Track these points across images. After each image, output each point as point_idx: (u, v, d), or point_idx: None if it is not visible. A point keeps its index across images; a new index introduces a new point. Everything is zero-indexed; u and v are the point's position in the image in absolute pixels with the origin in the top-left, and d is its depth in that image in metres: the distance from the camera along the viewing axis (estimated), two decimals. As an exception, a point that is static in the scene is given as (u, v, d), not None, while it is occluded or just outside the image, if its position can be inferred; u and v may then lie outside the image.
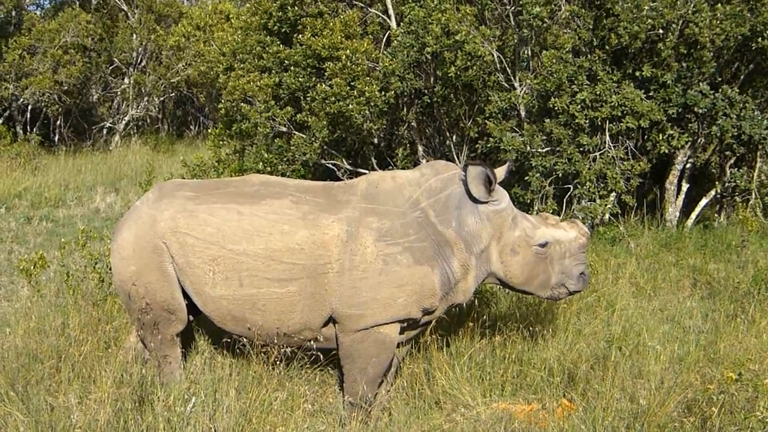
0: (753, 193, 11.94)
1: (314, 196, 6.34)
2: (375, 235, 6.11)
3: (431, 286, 6.15)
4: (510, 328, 7.67)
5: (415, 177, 6.38)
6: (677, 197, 12.19)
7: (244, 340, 6.41)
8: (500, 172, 6.57)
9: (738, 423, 5.75)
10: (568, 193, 10.81)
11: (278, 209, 6.22)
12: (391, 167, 12.01)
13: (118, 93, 23.40)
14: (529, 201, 10.67)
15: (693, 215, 12.13)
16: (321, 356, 6.45)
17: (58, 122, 22.17)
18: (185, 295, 6.42)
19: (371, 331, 6.17)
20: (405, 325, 6.31)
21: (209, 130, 13.39)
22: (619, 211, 11.46)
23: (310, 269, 6.09)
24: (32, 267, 8.29)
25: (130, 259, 6.35)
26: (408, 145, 12.74)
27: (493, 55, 10.83)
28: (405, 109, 12.34)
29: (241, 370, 6.54)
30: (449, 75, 10.98)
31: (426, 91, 12.03)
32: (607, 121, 10.63)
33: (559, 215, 10.77)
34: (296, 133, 11.69)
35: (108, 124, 23.10)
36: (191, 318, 6.70)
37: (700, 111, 10.90)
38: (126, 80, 23.43)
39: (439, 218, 6.18)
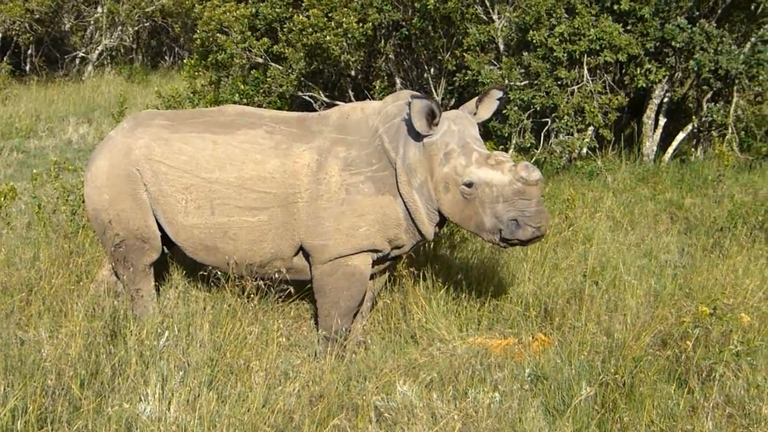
0: (729, 128, 11.87)
1: (288, 126, 6.26)
2: (341, 164, 6.03)
3: (395, 216, 6.06)
4: (487, 262, 7.62)
5: (378, 106, 6.27)
6: (654, 131, 12.11)
7: (219, 273, 6.35)
8: (471, 104, 6.23)
9: (712, 357, 5.73)
10: (546, 127, 10.73)
11: (252, 139, 6.15)
12: (368, 99, 11.84)
13: (91, 22, 22.89)
14: (506, 134, 10.57)
15: (670, 150, 12.08)
16: (292, 290, 6.37)
17: (30, 51, 21.69)
18: (159, 227, 6.36)
19: (339, 263, 6.12)
20: (375, 257, 6.24)
21: (184, 61, 13.12)
22: (597, 145, 11.41)
23: (280, 198, 6.04)
24: (2, 199, 8.09)
25: (104, 187, 6.28)
26: (386, 77, 12.56)
27: (472, -14, 10.65)
28: (383, 41, 12.13)
29: (216, 303, 6.46)
30: (427, 7, 10.77)
31: (404, 23, 11.81)
32: (585, 55, 10.50)
33: (537, 149, 10.70)
34: (273, 64, 11.49)
35: (81, 54, 22.63)
36: (165, 250, 6.63)
37: (678, 45, 10.80)
38: (99, 9, 22.90)
39: (391, 145, 6.04)
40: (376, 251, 6.20)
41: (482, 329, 6.69)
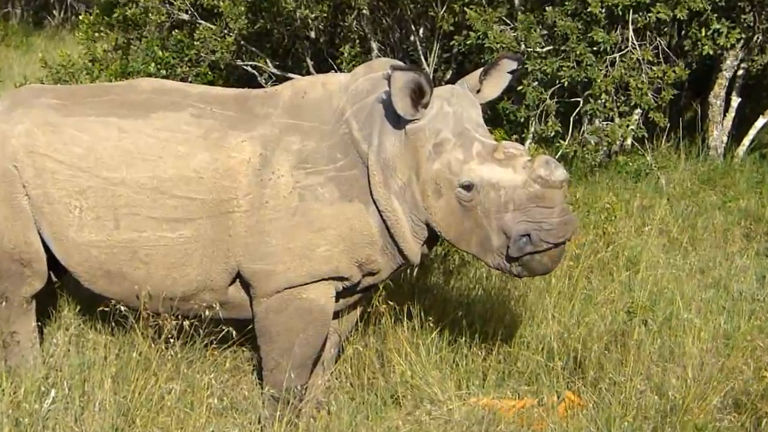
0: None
1: (223, 107, 6.23)
2: (294, 160, 6.02)
3: (366, 230, 6.05)
4: (496, 294, 7.62)
5: (346, 80, 6.28)
6: (725, 116, 12.16)
7: (126, 309, 6.28)
8: (473, 78, 6.19)
9: (804, 424, 5.78)
10: (577, 110, 10.74)
11: (173, 125, 6.11)
12: (334, 72, 11.84)
13: (-49, -36, 22.86)
14: (522, 120, 10.58)
15: (746, 140, 12.13)
16: (234, 332, 6.36)
17: None
18: (44, 246, 6.31)
19: (291, 295, 6.10)
20: (340, 287, 6.22)
21: (80, 17, 13.07)
22: (646, 135, 11.41)
23: (210, 206, 6.01)
24: None
25: (-33, 190, 6.23)
26: (357, 41, 12.53)
27: None
28: (354, -9, 12.14)
29: (122, 351, 6.44)
30: (415, -57, 10.81)
31: (383, -35, 11.85)
32: (631, 11, 10.54)
33: (564, 139, 10.73)
34: (202, 22, 11.46)
35: (-64, 8, 22.60)
36: (52, 277, 6.59)
37: (758, -2, 10.87)
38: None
39: (361, 133, 6.03)
40: (341, 279, 6.17)
41: (489, 386, 6.69)
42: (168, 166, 6.03)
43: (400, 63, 6.17)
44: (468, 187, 5.76)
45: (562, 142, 10.67)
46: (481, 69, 6.21)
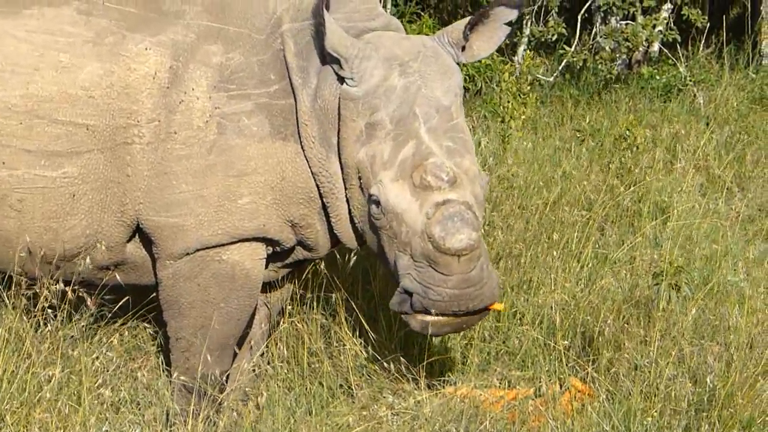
0: None
1: (120, 1, 6.17)
2: (214, 77, 6.04)
3: (303, 182, 6.11)
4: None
5: None
6: (785, 13, 12.23)
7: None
8: (455, 31, 6.17)
9: None
10: (587, 5, 10.81)
11: (52, 25, 6.07)
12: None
13: None
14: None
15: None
16: (132, 301, 6.39)
17: None
18: None
19: (205, 257, 6.16)
20: (270, 251, 6.30)
21: None
22: (678, 38, 11.44)
23: (103, 135, 6.01)
24: None
25: None
26: None
27: None
28: None
29: (-17, 327, 6.47)
30: None
31: None
32: None
33: (570, 44, 10.78)
34: None
35: None
36: None
37: None
38: None
39: (298, 61, 6.04)
40: (269, 242, 6.25)
41: (470, 371, 6.80)
42: (47, 82, 5.97)
43: None
44: (377, 203, 5.78)
45: (567, 48, 10.73)
46: (466, 21, 6.15)
